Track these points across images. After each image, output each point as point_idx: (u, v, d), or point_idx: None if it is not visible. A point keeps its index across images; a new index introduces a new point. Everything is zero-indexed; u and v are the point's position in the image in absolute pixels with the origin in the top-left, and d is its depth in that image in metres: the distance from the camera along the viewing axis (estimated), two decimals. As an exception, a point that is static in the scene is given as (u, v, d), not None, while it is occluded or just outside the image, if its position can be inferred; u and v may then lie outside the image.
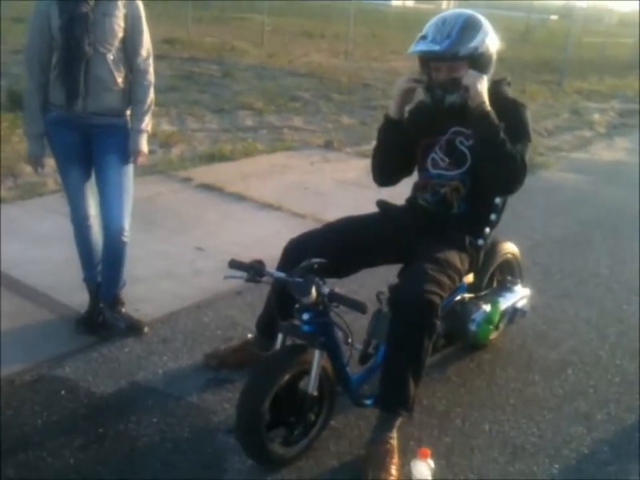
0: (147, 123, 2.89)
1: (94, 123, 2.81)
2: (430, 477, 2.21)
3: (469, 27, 2.43)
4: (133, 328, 3.06)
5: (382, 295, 2.47)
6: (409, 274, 2.44)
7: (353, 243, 2.58)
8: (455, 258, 2.47)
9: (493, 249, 2.86)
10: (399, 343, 2.32)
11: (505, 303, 2.93)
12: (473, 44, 2.42)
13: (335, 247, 2.49)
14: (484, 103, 2.39)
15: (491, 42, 2.48)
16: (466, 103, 2.43)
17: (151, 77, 2.88)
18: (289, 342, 2.32)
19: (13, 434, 2.37)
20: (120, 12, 2.73)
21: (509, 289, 3.02)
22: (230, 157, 6.14)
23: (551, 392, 2.86)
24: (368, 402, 2.46)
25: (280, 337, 2.30)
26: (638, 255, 4.44)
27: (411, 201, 2.75)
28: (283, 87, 10.14)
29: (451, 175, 2.59)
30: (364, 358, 2.58)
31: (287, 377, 2.20)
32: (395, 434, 2.36)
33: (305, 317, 2.21)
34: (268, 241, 4.02)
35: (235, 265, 2.31)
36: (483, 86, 2.40)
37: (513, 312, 3.01)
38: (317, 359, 2.20)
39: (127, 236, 2.93)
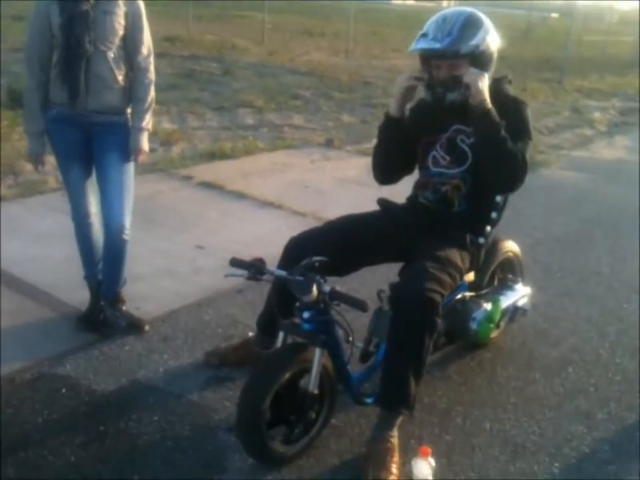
0: (148, 121, 2.88)
1: (95, 120, 2.81)
2: (431, 476, 2.21)
3: (469, 25, 2.43)
4: (134, 326, 3.06)
5: (383, 293, 2.47)
6: (410, 272, 2.44)
7: (354, 241, 2.58)
8: (456, 256, 2.47)
9: (493, 247, 2.85)
10: (400, 341, 2.32)
11: (506, 301, 2.93)
12: (474, 42, 2.42)
13: (335, 245, 2.49)
14: (485, 100, 2.39)
15: (492, 40, 2.48)
16: (467, 100, 2.43)
17: (152, 74, 2.87)
18: (289, 340, 2.32)
19: (13, 432, 2.37)
20: (120, 10, 2.73)
21: (510, 288, 3.02)
22: (230, 155, 6.14)
23: (551, 390, 2.86)
24: (369, 400, 2.46)
25: (281, 335, 2.30)
26: (638, 253, 4.44)
27: (412, 199, 2.75)
28: (284, 85, 10.13)
29: (451, 173, 2.58)
30: (365, 356, 2.58)
31: (287, 375, 2.20)
32: (395, 432, 2.36)
33: (306, 315, 2.21)
34: (268, 239, 4.02)
35: (235, 263, 2.31)
36: (484, 84, 2.39)
37: (514, 310, 3.01)
38: (318, 357, 2.20)
39: (127, 234, 2.93)
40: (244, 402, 2.19)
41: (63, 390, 2.62)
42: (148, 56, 2.85)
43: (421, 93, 2.59)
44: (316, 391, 2.24)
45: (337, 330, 2.28)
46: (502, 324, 3.02)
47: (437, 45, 2.38)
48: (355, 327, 2.30)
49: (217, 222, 4.51)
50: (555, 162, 6.96)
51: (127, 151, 2.87)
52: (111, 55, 2.74)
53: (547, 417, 2.68)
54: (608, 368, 3.06)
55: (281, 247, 2.62)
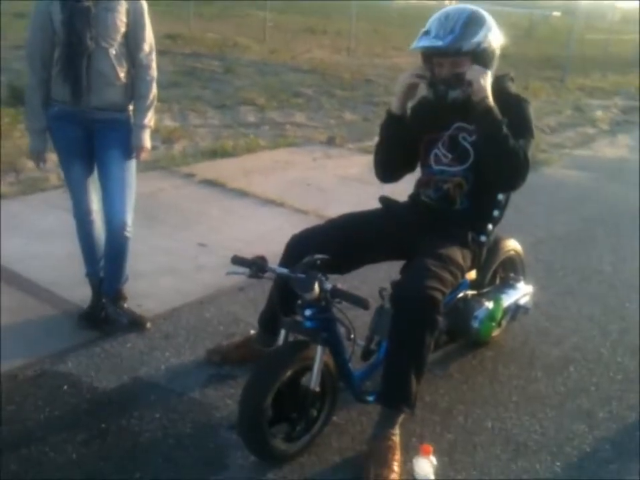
0: (150, 119, 2.88)
1: (96, 117, 2.81)
2: (432, 474, 2.21)
3: (472, 22, 2.42)
4: (136, 323, 3.06)
5: (384, 291, 2.47)
6: (411, 270, 2.43)
7: (355, 239, 2.57)
8: (458, 254, 2.47)
9: (495, 245, 2.85)
10: (401, 340, 2.32)
11: (508, 299, 2.93)
12: (476, 39, 2.41)
13: (337, 243, 2.49)
14: (487, 97, 2.38)
15: (494, 37, 2.47)
16: (469, 98, 2.43)
17: (154, 72, 2.87)
18: (291, 338, 2.32)
19: (15, 429, 2.38)
20: (122, 7, 2.72)
21: (512, 286, 3.01)
22: (232, 152, 6.13)
23: (553, 389, 2.86)
24: (370, 398, 2.46)
25: (282, 332, 2.30)
26: (640, 252, 4.44)
27: (414, 197, 2.75)
28: (285, 83, 10.12)
29: (453, 171, 2.58)
30: (366, 354, 2.58)
31: (289, 373, 2.21)
32: (397, 430, 2.36)
33: (308, 312, 2.21)
34: (270, 237, 4.01)
35: (237, 261, 2.31)
36: (486, 81, 2.39)
37: (516, 309, 3.01)
38: (319, 355, 2.20)
39: (129, 231, 2.93)
40: (245, 399, 2.19)
41: (65, 387, 2.62)
42: (150, 53, 2.85)
43: (423, 90, 2.59)
44: (317, 389, 2.24)
45: (338, 328, 2.28)
46: (504, 322, 3.02)
47: (439, 43, 2.38)
48: (356, 325, 2.30)
49: (219, 220, 4.51)
50: (557, 160, 6.95)
51: (129, 148, 2.87)
52: (112, 51, 2.74)
53: (549, 415, 2.68)
54: (610, 367, 3.06)
55: (283, 245, 2.62)
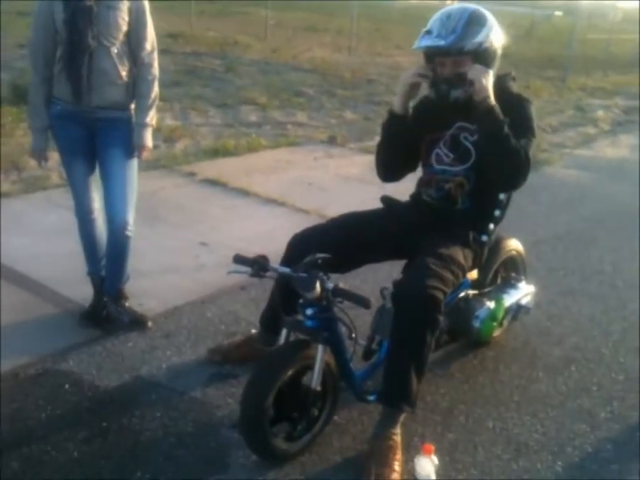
0: (152, 117, 2.88)
1: (98, 116, 2.81)
2: (433, 474, 2.21)
3: (473, 22, 2.42)
4: (137, 322, 3.06)
5: (386, 290, 2.47)
6: (412, 269, 2.43)
7: (357, 239, 2.57)
8: (459, 254, 2.47)
9: (497, 245, 2.85)
10: (402, 339, 2.32)
11: (509, 299, 2.93)
12: (478, 39, 2.41)
13: (338, 243, 2.49)
14: (489, 97, 2.38)
15: (496, 37, 2.47)
16: (471, 98, 2.43)
17: (156, 70, 2.87)
18: (292, 337, 2.32)
19: (16, 427, 2.38)
20: (124, 5, 2.72)
21: (513, 286, 3.01)
22: (234, 152, 6.13)
23: (554, 389, 2.86)
24: (371, 397, 2.46)
25: (284, 332, 2.30)
26: (642, 252, 4.43)
27: (415, 196, 2.75)
28: (287, 82, 10.12)
29: (455, 171, 2.58)
30: (367, 354, 2.58)
31: (290, 372, 2.21)
32: (398, 430, 2.36)
33: (309, 312, 2.21)
34: (272, 236, 4.01)
35: (238, 260, 2.31)
36: (488, 80, 2.39)
37: (517, 309, 3.01)
38: (321, 354, 2.20)
39: (131, 230, 2.93)
40: (247, 399, 2.19)
41: (66, 386, 2.62)
42: (152, 52, 2.85)
43: (424, 90, 2.58)
44: (318, 388, 2.24)
45: (339, 327, 2.28)
46: (505, 322, 3.01)
47: (441, 42, 2.38)
48: (357, 325, 2.30)
49: (220, 219, 4.51)
50: (558, 160, 6.95)
51: (131, 147, 2.87)
52: (114, 50, 2.74)
53: (550, 415, 2.68)
54: (611, 367, 3.06)
55: (284, 244, 2.62)
